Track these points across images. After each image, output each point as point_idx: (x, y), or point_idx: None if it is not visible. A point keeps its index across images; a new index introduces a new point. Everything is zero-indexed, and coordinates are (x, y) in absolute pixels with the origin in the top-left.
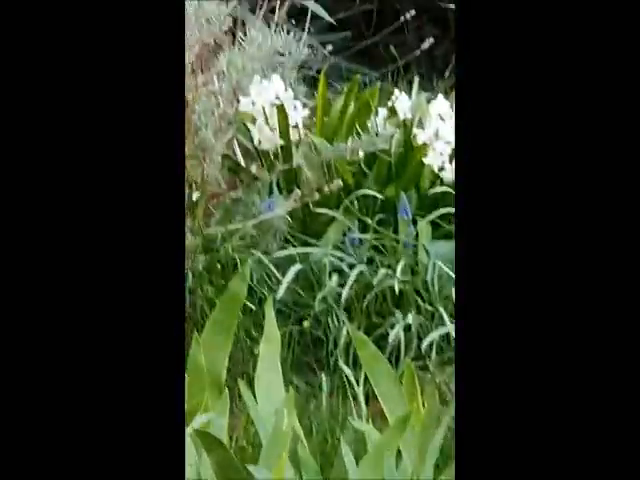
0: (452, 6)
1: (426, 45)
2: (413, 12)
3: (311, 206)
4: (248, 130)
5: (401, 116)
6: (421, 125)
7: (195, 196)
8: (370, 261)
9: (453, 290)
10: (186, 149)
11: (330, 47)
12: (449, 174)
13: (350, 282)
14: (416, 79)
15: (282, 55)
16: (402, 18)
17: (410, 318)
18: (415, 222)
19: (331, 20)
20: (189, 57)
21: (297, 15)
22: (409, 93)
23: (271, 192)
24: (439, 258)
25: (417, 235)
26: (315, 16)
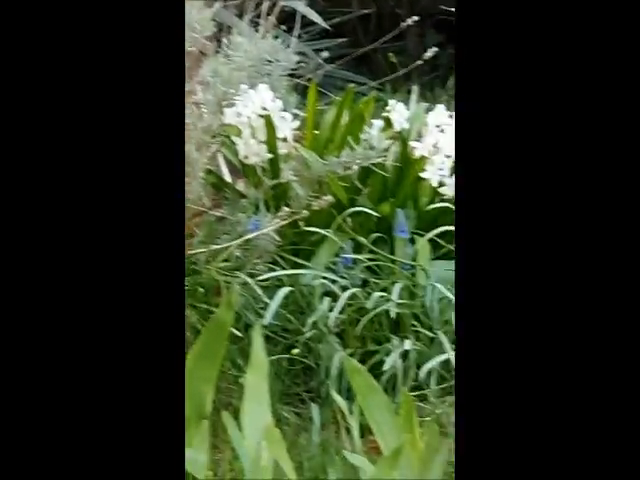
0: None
1: (429, 54)
2: (416, 18)
3: (301, 224)
4: (233, 143)
5: (397, 128)
6: (419, 137)
7: None
8: (364, 283)
9: (454, 314)
10: None
11: (324, 54)
12: (449, 189)
13: (343, 306)
14: (415, 88)
15: (270, 62)
16: (402, 24)
17: (408, 344)
18: (413, 241)
19: (326, 25)
20: None
21: (289, 20)
22: (407, 103)
23: (258, 210)
24: (439, 280)
25: (415, 255)
26: (308, 21)
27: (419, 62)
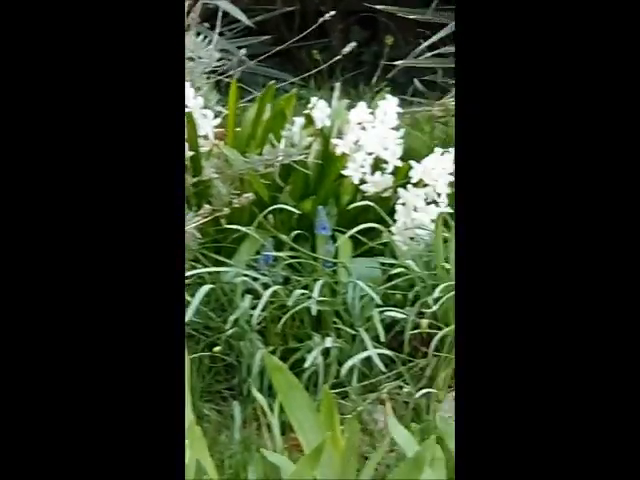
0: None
1: (347, 49)
2: (332, 12)
3: (222, 222)
4: None
5: (319, 125)
6: (340, 134)
7: None
8: (286, 280)
9: (375, 311)
10: None
11: (246, 51)
12: (370, 187)
13: (264, 303)
14: (337, 85)
15: (191, 60)
16: (320, 19)
17: (329, 341)
18: (334, 238)
19: (249, 23)
20: None
21: (212, 18)
22: (330, 100)
23: None
24: (360, 277)
25: (336, 252)
26: (232, 19)
27: (338, 57)
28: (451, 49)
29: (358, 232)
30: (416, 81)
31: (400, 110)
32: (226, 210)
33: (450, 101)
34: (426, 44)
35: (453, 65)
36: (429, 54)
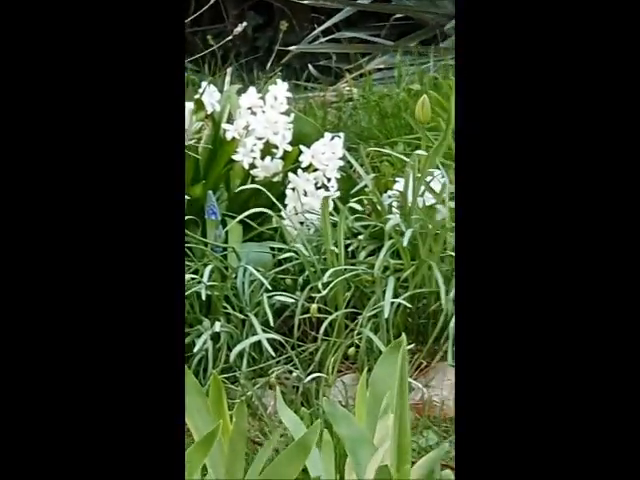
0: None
1: (239, 29)
2: None
3: None
4: None
5: (209, 110)
6: (231, 119)
7: None
8: None
9: (265, 296)
10: None
11: None
12: (260, 171)
13: None
14: (228, 70)
15: None
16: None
17: (218, 326)
18: (224, 223)
19: None
20: None
21: None
22: (221, 85)
23: None
24: (250, 262)
25: (226, 237)
26: None
27: (229, 38)
28: (345, 34)
29: (248, 217)
30: (310, 66)
31: (290, 95)
32: None
33: (344, 86)
34: (320, 29)
35: (347, 50)
36: (323, 39)
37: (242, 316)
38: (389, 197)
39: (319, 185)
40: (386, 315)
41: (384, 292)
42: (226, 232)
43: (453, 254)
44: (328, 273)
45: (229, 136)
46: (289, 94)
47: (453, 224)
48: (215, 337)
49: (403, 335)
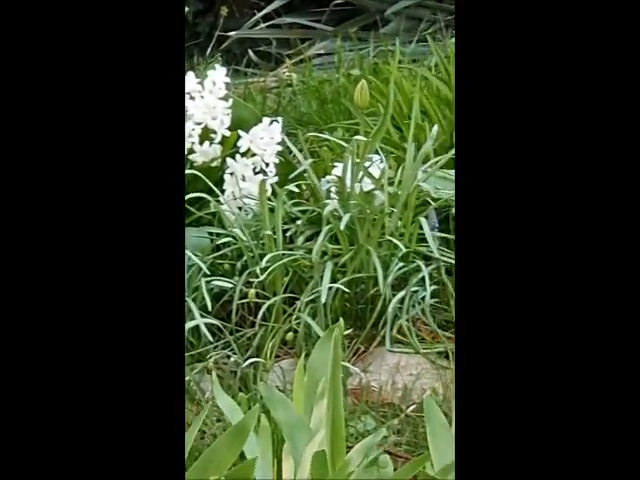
0: None
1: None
2: None
3: None
4: None
5: None
6: None
7: None
8: None
9: (203, 281)
10: None
11: None
12: (198, 157)
13: None
14: None
15: None
16: None
17: None
18: None
19: None
20: None
21: None
22: None
23: None
24: (188, 247)
25: None
26: None
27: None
28: (285, 20)
29: (186, 202)
30: (250, 52)
31: (229, 80)
32: None
33: (284, 72)
34: (260, 15)
35: (287, 36)
36: (263, 25)
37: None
38: (327, 182)
39: (257, 170)
40: (324, 300)
41: (322, 277)
42: None
43: (391, 239)
44: (266, 258)
45: None
46: (227, 79)
47: (392, 209)
48: None
49: (340, 320)
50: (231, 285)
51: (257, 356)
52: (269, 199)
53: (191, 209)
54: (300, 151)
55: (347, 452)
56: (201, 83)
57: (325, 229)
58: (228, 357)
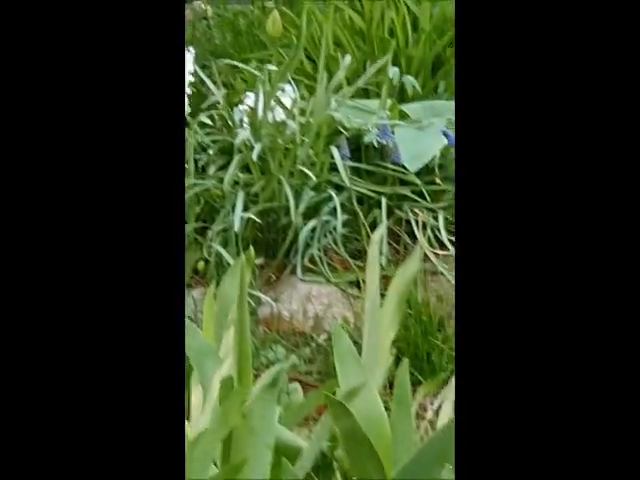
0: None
1: None
2: None
3: None
4: None
5: None
6: None
7: None
8: None
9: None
10: None
11: None
12: None
13: None
14: None
15: None
16: None
17: None
18: None
19: None
20: None
21: None
22: None
23: None
24: None
25: None
26: None
27: None
28: None
29: None
30: None
31: None
32: None
33: (199, 3)
34: None
35: None
36: None
37: None
38: (240, 112)
39: None
40: (236, 229)
41: (234, 206)
42: None
43: (303, 168)
44: None
45: None
46: None
47: (303, 139)
48: None
49: (250, 248)
50: None
51: None
52: None
53: None
54: (213, 83)
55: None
56: None
57: (237, 159)
58: None
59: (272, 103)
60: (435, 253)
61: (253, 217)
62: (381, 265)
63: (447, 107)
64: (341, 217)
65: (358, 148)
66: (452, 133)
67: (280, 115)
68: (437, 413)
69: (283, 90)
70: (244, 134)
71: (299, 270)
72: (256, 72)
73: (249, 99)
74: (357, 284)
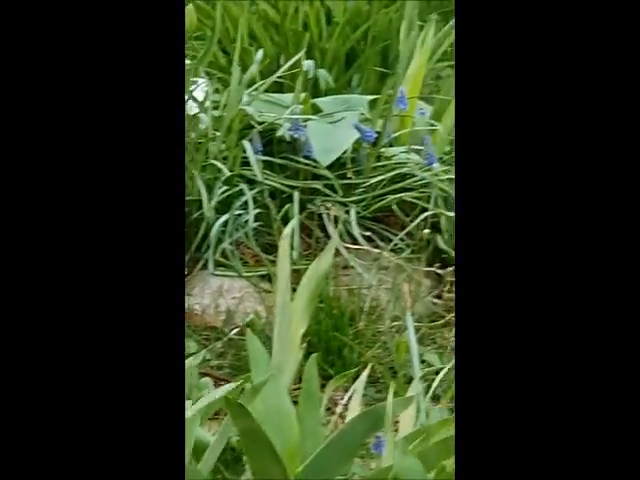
0: None
1: None
2: None
3: None
4: None
5: None
6: None
7: None
8: None
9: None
10: None
11: None
12: None
13: None
14: None
15: None
16: None
17: None
18: None
19: None
20: None
21: None
22: None
23: None
24: None
25: None
26: None
27: None
28: None
29: None
30: None
31: None
32: None
33: None
34: None
35: None
36: None
37: None
38: None
39: None
40: None
41: None
42: None
43: (215, 162)
44: None
45: None
46: None
47: (216, 133)
48: None
49: None
50: None
51: None
52: None
53: None
54: None
55: None
56: None
57: None
58: None
59: (185, 97)
60: (346, 247)
61: None
62: (292, 259)
63: (360, 101)
64: (253, 211)
65: (270, 142)
66: (365, 127)
67: (193, 109)
68: (347, 407)
69: (197, 84)
70: None
71: (211, 264)
72: None
73: None
74: (269, 278)
